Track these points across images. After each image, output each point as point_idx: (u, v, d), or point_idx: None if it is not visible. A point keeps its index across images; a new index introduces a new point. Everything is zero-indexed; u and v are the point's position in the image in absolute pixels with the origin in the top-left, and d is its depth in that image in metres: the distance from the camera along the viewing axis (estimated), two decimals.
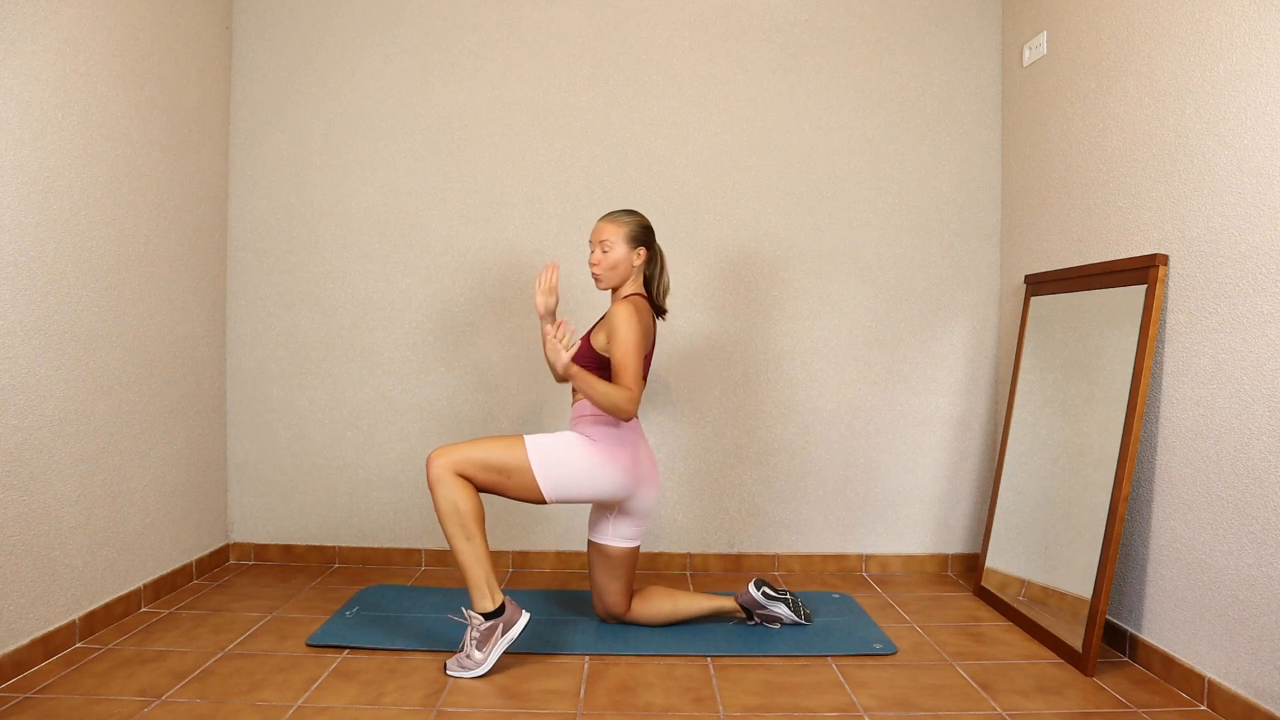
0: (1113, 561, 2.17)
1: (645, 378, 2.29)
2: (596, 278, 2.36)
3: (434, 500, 2.17)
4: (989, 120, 3.14)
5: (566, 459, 2.25)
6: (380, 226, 3.12)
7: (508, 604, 2.18)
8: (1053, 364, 2.66)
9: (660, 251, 2.44)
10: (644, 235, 2.38)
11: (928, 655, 2.31)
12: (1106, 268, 2.40)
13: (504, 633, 2.15)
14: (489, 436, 2.30)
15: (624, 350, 2.21)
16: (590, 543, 2.43)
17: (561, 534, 3.12)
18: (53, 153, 2.20)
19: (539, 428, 3.08)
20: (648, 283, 2.43)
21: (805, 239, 3.11)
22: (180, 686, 2.03)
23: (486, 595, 2.15)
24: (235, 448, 3.15)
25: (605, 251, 2.33)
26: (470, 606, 2.18)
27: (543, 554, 3.11)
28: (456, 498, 2.14)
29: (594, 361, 2.31)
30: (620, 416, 2.21)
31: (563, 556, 3.11)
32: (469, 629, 2.16)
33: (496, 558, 3.11)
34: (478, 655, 2.13)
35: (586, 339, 2.37)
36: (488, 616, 2.15)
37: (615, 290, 2.40)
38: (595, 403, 2.21)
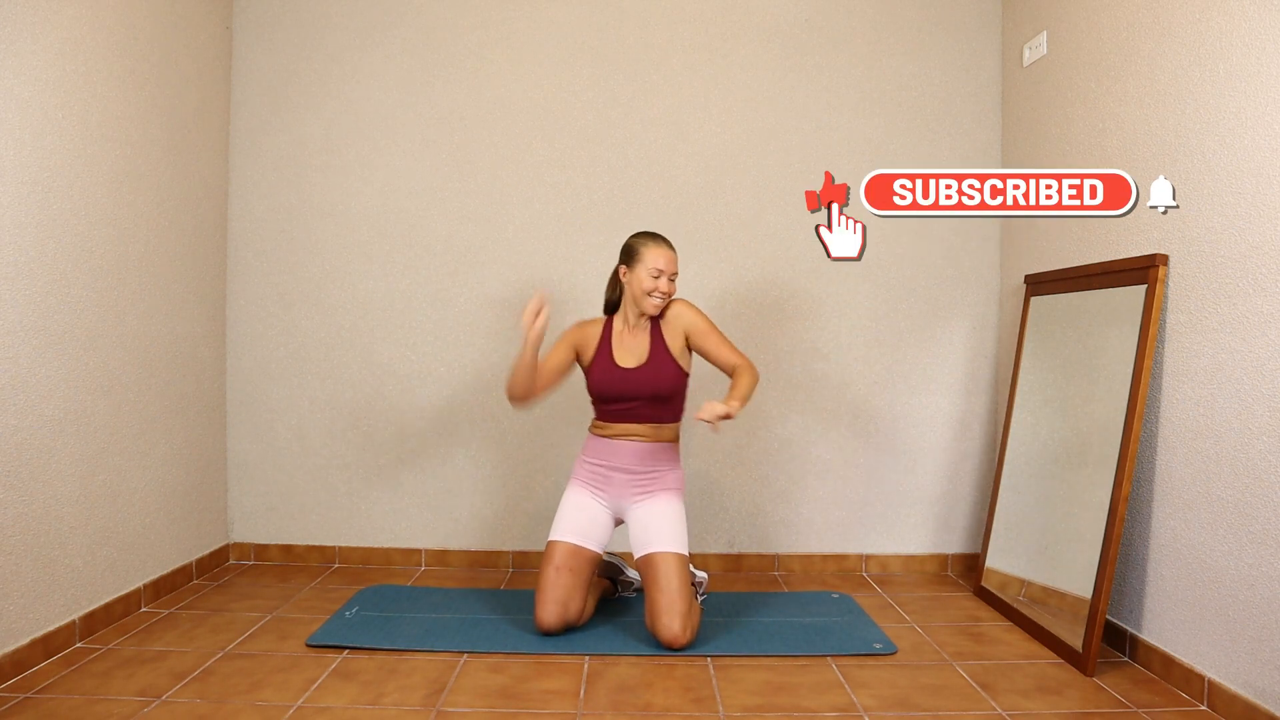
0: (1113, 561, 2.17)
1: None
2: (658, 303, 2.42)
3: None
4: (989, 120, 3.14)
5: (683, 522, 2.44)
6: (380, 226, 3.12)
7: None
8: (1053, 364, 2.66)
9: None
10: None
11: (928, 655, 2.31)
12: (1106, 268, 2.40)
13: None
14: (677, 585, 2.29)
15: (719, 332, 2.46)
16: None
17: None
18: (53, 153, 2.20)
19: (538, 427, 3.08)
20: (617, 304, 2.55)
21: (805, 239, 3.10)
22: (180, 686, 2.03)
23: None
24: (235, 448, 3.15)
25: (672, 282, 2.44)
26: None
27: (542, 554, 3.10)
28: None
29: (683, 372, 2.46)
30: None
31: None
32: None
33: (495, 558, 3.11)
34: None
35: (668, 356, 2.43)
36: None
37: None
38: (750, 394, 2.33)
